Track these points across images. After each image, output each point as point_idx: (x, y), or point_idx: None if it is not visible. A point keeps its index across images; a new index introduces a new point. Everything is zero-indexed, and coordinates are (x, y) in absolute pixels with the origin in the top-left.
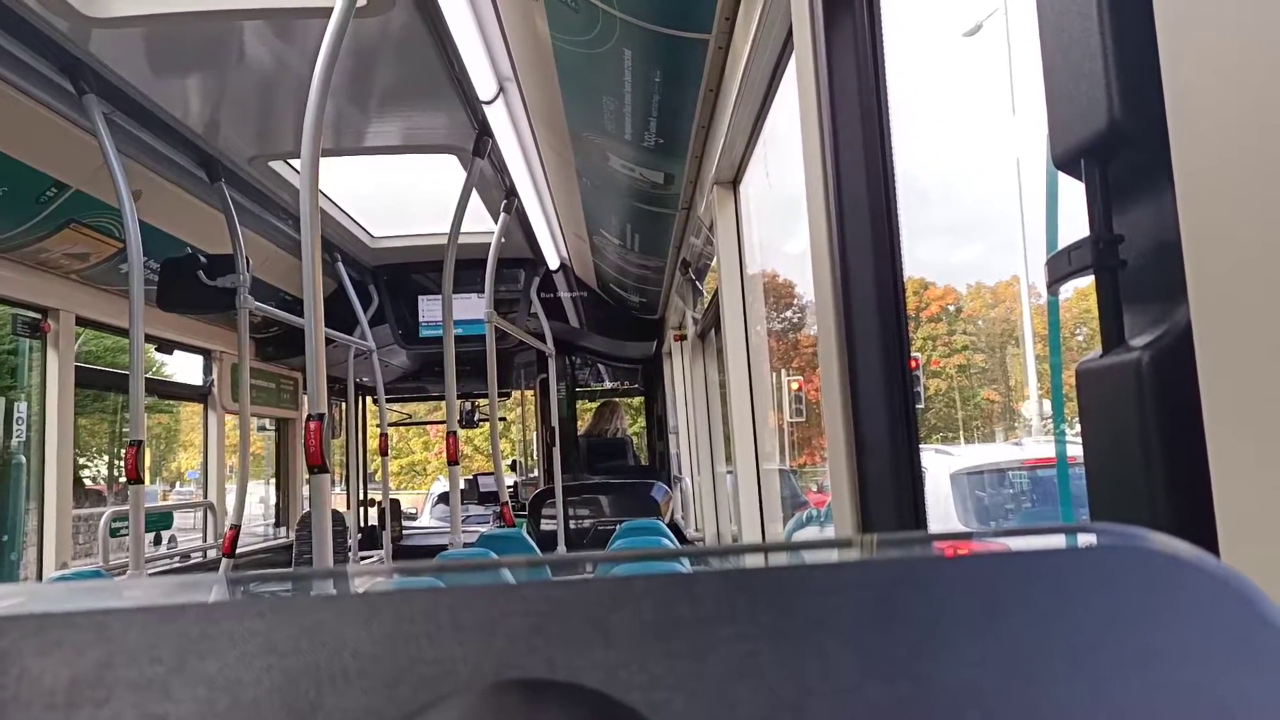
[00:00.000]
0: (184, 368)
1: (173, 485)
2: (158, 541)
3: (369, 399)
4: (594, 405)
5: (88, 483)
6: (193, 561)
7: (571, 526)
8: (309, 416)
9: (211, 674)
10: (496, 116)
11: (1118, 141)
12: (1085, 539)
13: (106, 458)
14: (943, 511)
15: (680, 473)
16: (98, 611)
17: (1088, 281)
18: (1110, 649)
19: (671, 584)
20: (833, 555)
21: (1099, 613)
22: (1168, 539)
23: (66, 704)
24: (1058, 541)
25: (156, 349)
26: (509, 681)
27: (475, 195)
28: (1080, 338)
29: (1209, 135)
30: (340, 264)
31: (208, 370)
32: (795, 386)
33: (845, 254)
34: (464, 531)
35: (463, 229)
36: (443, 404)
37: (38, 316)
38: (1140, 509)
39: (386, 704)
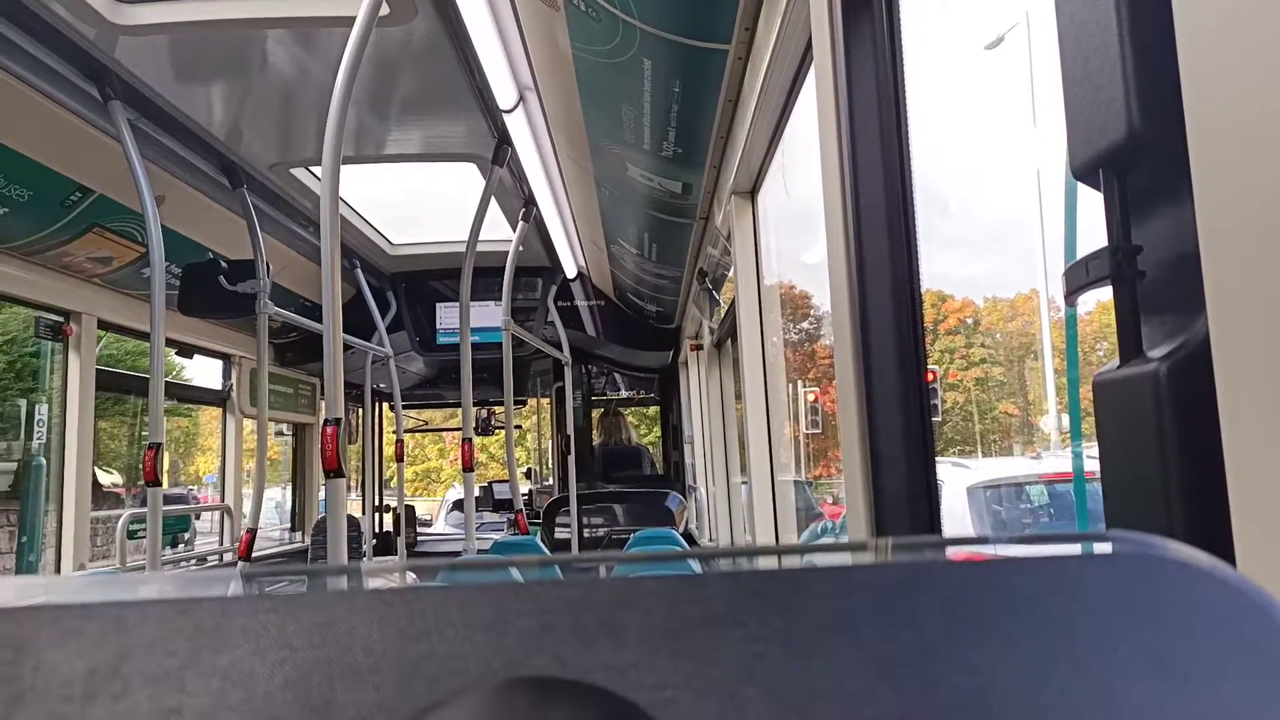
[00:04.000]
0: (203, 372)
1: (189, 489)
2: (174, 544)
3: (386, 405)
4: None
5: (106, 485)
6: (209, 565)
7: (585, 535)
8: (326, 421)
9: (225, 667)
10: (516, 125)
11: (1137, 152)
12: (1101, 547)
13: (125, 460)
14: (959, 526)
15: (695, 483)
16: (114, 604)
17: (1107, 294)
18: (1124, 657)
19: (681, 585)
20: (845, 558)
21: (1113, 620)
22: (1184, 548)
23: (83, 695)
24: (1073, 549)
25: (177, 353)
26: (519, 679)
27: (494, 203)
28: (1101, 352)
29: (1228, 146)
30: (359, 271)
31: (227, 375)
32: (811, 398)
33: (863, 265)
34: (478, 539)
35: (481, 237)
36: (459, 411)
37: (60, 319)
38: (1157, 520)
39: (398, 700)
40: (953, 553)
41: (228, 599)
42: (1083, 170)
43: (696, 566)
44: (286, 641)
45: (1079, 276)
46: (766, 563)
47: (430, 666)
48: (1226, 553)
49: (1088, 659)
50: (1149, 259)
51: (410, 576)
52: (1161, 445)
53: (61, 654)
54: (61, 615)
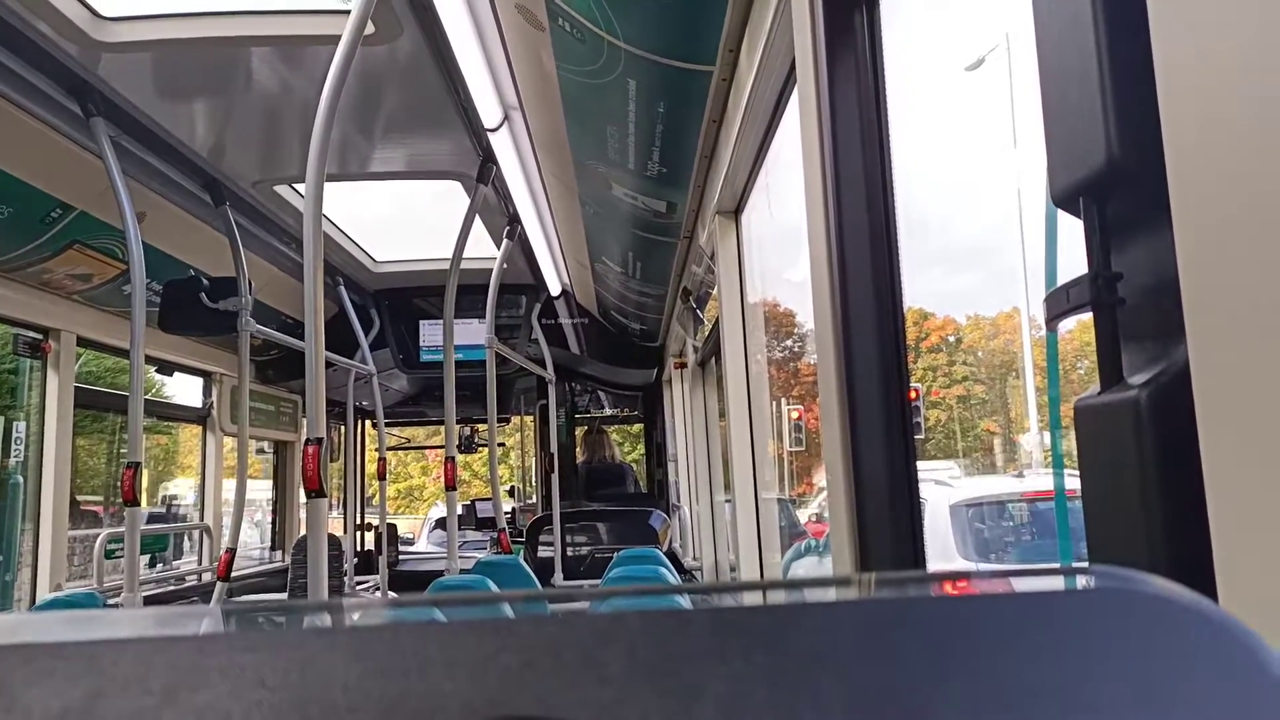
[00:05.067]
0: (183, 389)
1: (168, 508)
2: (153, 564)
3: (368, 423)
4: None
5: (86, 504)
6: (188, 584)
7: (569, 553)
8: (307, 440)
9: (201, 707)
10: (501, 144)
11: (1116, 180)
12: (1083, 581)
13: (103, 479)
14: (942, 544)
15: (679, 501)
16: (89, 643)
17: (1088, 315)
18: (1106, 692)
19: (665, 621)
20: (830, 594)
21: (1095, 656)
22: (1165, 583)
23: None
24: (1056, 583)
25: (157, 370)
26: (501, 718)
27: (478, 221)
28: (1081, 370)
29: (1207, 174)
30: (342, 288)
31: (207, 392)
32: (795, 415)
33: (845, 284)
34: (461, 557)
35: (465, 254)
36: (442, 429)
37: (39, 337)
38: (1138, 549)
39: None
40: (937, 587)
41: (204, 637)
42: (1063, 197)
43: (683, 601)
44: (263, 681)
45: (1060, 302)
46: (753, 597)
47: (410, 705)
48: (1207, 581)
49: (1071, 694)
50: (1129, 285)
51: (391, 610)
52: (1143, 473)
53: (35, 693)
54: (35, 654)
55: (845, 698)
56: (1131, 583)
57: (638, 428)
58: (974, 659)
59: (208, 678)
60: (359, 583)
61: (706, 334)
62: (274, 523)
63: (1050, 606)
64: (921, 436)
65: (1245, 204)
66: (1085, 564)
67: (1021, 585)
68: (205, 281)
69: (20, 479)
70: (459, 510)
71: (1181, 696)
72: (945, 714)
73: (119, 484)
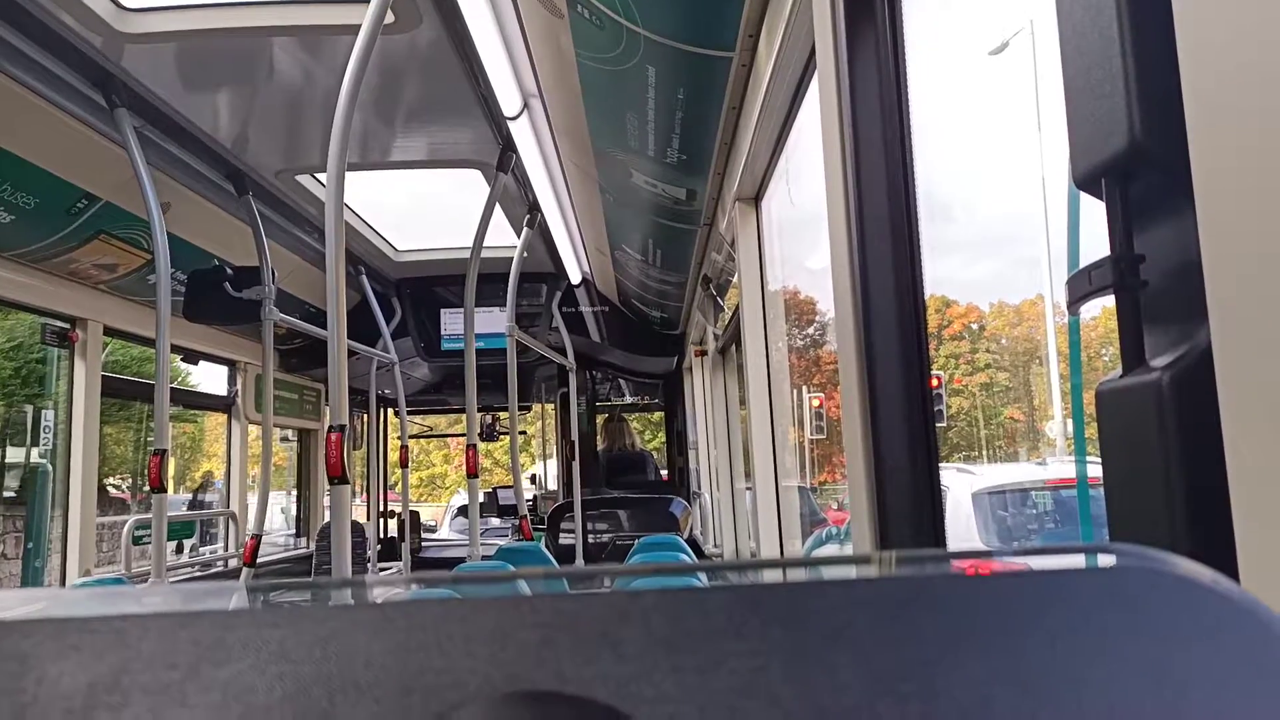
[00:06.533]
0: (209, 378)
1: (194, 495)
2: (179, 550)
3: (390, 411)
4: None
5: (111, 490)
6: (214, 570)
7: (590, 541)
8: (330, 428)
9: (225, 681)
10: (520, 132)
11: (1139, 161)
12: (1104, 560)
13: (130, 466)
14: (964, 531)
15: (699, 488)
16: (115, 617)
17: (1113, 300)
18: (1126, 672)
19: (682, 598)
20: (849, 571)
21: (1115, 634)
22: (1186, 562)
23: (83, 709)
24: (1076, 561)
25: (182, 359)
26: (518, 693)
27: (498, 210)
28: (1106, 358)
29: (1230, 156)
30: (364, 277)
31: (232, 381)
32: (816, 403)
33: (866, 271)
34: (482, 544)
35: (485, 243)
36: (463, 417)
37: (66, 326)
38: (1159, 531)
39: (397, 714)
40: (956, 565)
41: (229, 612)
42: (1085, 179)
43: (703, 579)
44: (287, 655)
45: (1082, 285)
46: (770, 575)
47: (430, 680)
48: (1229, 564)
49: (1090, 673)
50: (1151, 268)
51: (413, 588)
52: (1165, 455)
53: (63, 667)
54: (64, 628)
55: (863, 675)
56: (1153, 562)
57: (658, 415)
58: (994, 637)
59: (232, 652)
60: (382, 569)
61: (727, 321)
62: (298, 510)
63: (1071, 585)
64: (944, 424)
65: (1268, 186)
66: (1106, 543)
67: (1042, 564)
68: (229, 271)
69: (49, 466)
70: (480, 498)
71: (1202, 676)
72: (964, 692)
73: (145, 471)
